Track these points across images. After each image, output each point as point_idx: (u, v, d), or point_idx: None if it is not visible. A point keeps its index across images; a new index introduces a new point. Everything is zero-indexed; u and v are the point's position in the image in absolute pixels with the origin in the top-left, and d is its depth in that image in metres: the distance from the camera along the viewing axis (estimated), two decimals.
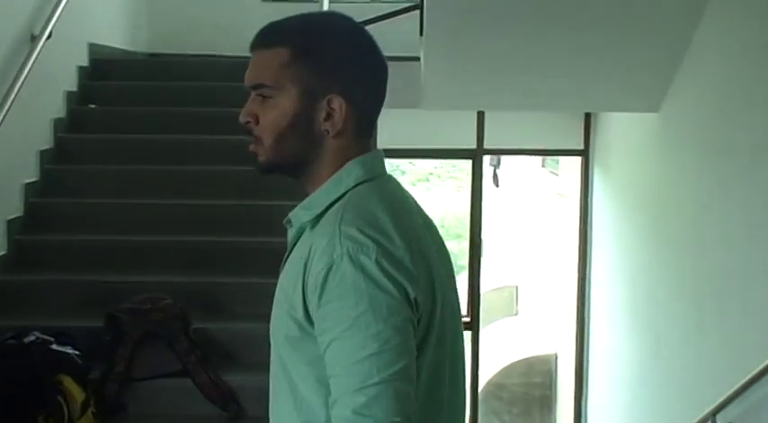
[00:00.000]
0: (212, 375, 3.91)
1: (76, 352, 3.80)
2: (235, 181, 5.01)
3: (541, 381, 9.75)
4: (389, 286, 1.43)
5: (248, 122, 1.59)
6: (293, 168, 1.61)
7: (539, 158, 10.84)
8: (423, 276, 1.49)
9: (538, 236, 11.28)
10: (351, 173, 1.57)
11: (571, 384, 8.34)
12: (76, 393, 3.70)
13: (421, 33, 5.89)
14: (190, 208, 4.90)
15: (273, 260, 4.58)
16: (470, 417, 7.85)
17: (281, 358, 1.56)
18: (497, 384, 9.61)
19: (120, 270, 4.55)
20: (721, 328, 4.78)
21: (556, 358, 9.68)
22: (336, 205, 1.54)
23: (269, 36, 1.59)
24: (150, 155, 5.25)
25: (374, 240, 1.45)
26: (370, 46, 1.61)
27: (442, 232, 1.73)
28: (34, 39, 4.79)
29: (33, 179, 4.95)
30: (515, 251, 12.74)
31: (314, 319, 1.47)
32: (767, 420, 4.27)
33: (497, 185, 13.36)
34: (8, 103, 4.30)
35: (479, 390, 8.04)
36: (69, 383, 3.70)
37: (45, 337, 3.78)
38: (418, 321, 1.48)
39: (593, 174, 7.72)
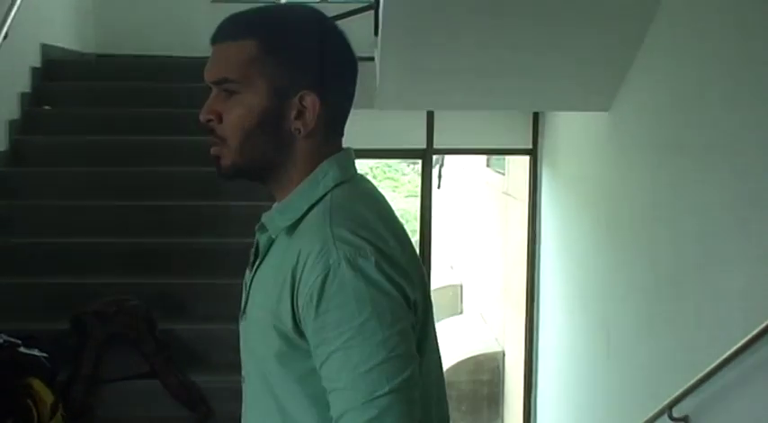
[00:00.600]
0: (180, 376, 3.93)
1: (44, 355, 3.78)
2: (191, 182, 5.03)
3: (489, 378, 9.85)
4: (391, 290, 1.36)
5: (210, 121, 1.47)
6: (260, 172, 1.50)
7: (483, 158, 10.94)
8: (417, 276, 1.44)
9: (483, 235, 11.39)
10: (327, 173, 1.48)
11: (519, 381, 8.46)
12: (45, 396, 3.69)
13: (375, 33, 5.95)
14: (148, 209, 4.89)
15: (233, 260, 4.61)
16: None
17: (265, 377, 1.47)
18: (446, 382, 9.67)
19: (79, 273, 4.51)
20: (674, 325, 4.89)
21: (503, 356, 9.78)
22: (317, 208, 1.45)
23: (235, 28, 1.48)
24: (106, 156, 5.23)
25: (370, 242, 1.37)
26: (344, 42, 1.52)
27: None
28: None
29: None
30: (459, 250, 12.84)
31: (306, 330, 1.38)
32: (721, 413, 4.38)
33: (439, 187, 13.46)
34: None
35: None
36: (38, 386, 3.69)
37: (12, 339, 3.76)
38: (416, 323, 1.43)
39: (541, 173, 7.83)
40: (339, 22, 4.97)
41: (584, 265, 6.63)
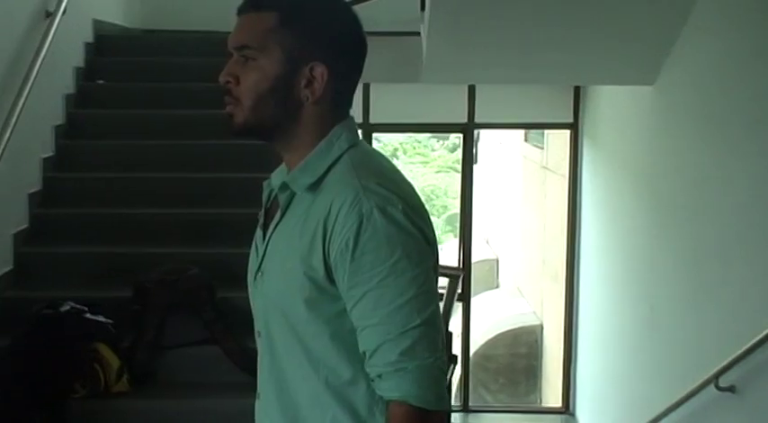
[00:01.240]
0: (240, 343, 4.01)
1: (110, 321, 3.90)
2: (242, 154, 5.10)
3: (527, 351, 9.92)
4: (417, 233, 1.51)
5: (228, 82, 1.61)
6: (269, 132, 1.64)
7: (520, 133, 10.96)
8: (429, 224, 1.60)
9: (520, 209, 11.43)
10: (340, 136, 1.62)
11: (557, 355, 8.52)
12: (112, 360, 3.81)
13: (422, 8, 6.00)
14: (203, 181, 4.99)
15: None
16: (462, 385, 8.02)
17: (293, 325, 1.59)
18: (483, 355, 9.76)
19: (138, 243, 4.61)
20: (720, 296, 4.93)
21: (541, 329, 9.85)
22: (338, 166, 1.59)
23: (257, 1, 1.62)
24: (158, 129, 5.33)
25: (394, 193, 1.53)
26: (355, 22, 1.65)
27: None
28: (49, 15, 4.83)
29: (49, 154, 5.01)
30: (495, 225, 12.88)
31: (337, 275, 1.52)
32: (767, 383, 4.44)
33: (476, 162, 13.49)
34: (30, 80, 4.34)
35: None
36: (105, 351, 3.80)
37: (78, 306, 3.87)
38: (436, 263, 1.59)
39: (582, 147, 7.86)
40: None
41: (626, 238, 6.68)
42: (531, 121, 8.37)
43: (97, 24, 6.04)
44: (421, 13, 6.02)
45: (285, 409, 1.64)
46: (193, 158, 5.14)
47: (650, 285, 6.09)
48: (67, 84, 5.42)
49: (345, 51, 1.63)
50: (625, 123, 6.76)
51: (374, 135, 7.93)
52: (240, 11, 1.63)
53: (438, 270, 1.62)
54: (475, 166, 12.91)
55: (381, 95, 7.21)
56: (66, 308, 3.84)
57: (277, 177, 1.73)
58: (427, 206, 1.65)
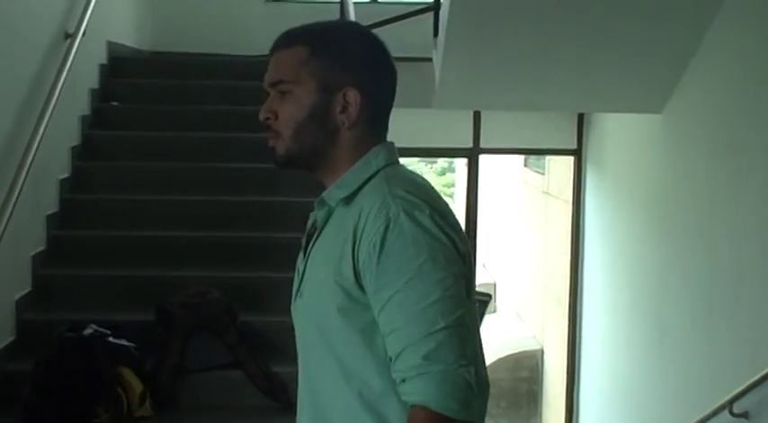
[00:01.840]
0: (263, 366, 4.01)
1: (132, 344, 3.88)
2: (262, 178, 5.13)
3: (528, 375, 9.92)
4: (444, 238, 1.53)
5: (268, 119, 1.67)
6: (311, 160, 1.68)
7: (520, 158, 11.00)
8: (463, 235, 1.62)
9: (520, 234, 11.45)
10: (378, 155, 1.67)
11: (559, 379, 8.53)
12: (135, 384, 3.80)
13: (435, 35, 6.04)
14: (223, 203, 4.99)
15: (295, 255, 4.69)
16: None
17: (325, 336, 1.60)
18: None
19: (156, 265, 4.61)
20: (735, 323, 4.96)
21: (542, 354, 9.85)
22: (373, 181, 1.63)
23: (288, 38, 1.70)
24: (174, 151, 5.33)
25: (423, 200, 1.56)
26: (381, 47, 1.72)
27: None
28: (68, 37, 4.84)
29: (66, 175, 5.01)
30: (492, 249, 12.89)
31: (366, 281, 1.54)
32: None
33: None
34: (52, 103, 4.35)
35: None
36: (128, 375, 3.79)
37: (102, 329, 3.86)
38: (467, 273, 1.58)
39: (585, 173, 7.91)
40: (393, 26, 5.11)
41: (634, 263, 6.70)
42: (535, 146, 8.42)
43: (111, 46, 6.05)
44: (434, 39, 6.06)
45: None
46: (211, 181, 5.15)
47: (660, 311, 6.11)
48: (83, 105, 5.43)
49: (374, 75, 1.69)
50: (633, 150, 6.81)
51: None
52: (272, 50, 1.70)
53: (473, 281, 1.63)
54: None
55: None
56: (89, 331, 3.82)
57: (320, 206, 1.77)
58: None
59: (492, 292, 12.38)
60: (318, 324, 1.61)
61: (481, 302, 3.94)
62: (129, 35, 6.62)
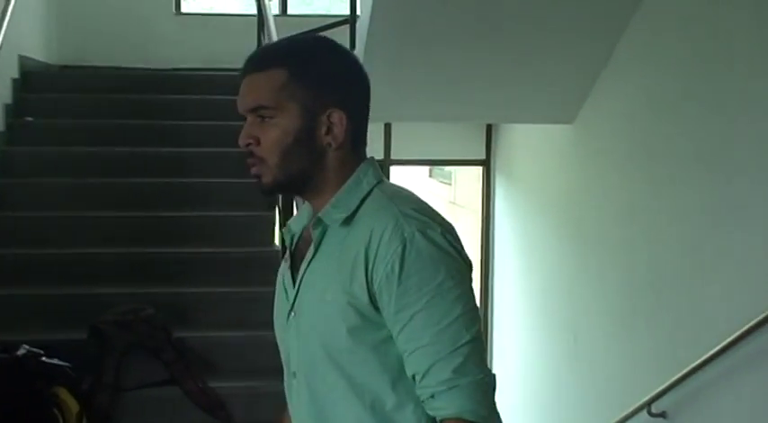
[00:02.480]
0: (200, 383, 3.99)
1: (67, 364, 3.82)
2: (181, 192, 5.16)
3: None
4: (456, 254, 1.57)
5: (249, 144, 1.63)
6: (299, 184, 1.67)
7: (425, 169, 11.14)
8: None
9: None
10: (367, 172, 1.66)
11: None
12: (71, 404, 3.73)
13: (351, 47, 6.09)
14: (143, 220, 4.95)
15: (232, 269, 4.71)
16: None
17: (332, 355, 1.59)
18: None
19: (83, 284, 4.53)
20: (653, 327, 5.13)
21: None
22: (370, 199, 1.63)
23: (262, 60, 1.66)
24: (94, 167, 5.27)
25: (431, 218, 1.58)
26: (356, 62, 1.71)
27: None
28: None
29: None
30: None
31: (382, 301, 1.54)
32: (698, 409, 4.63)
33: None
34: None
35: None
36: (64, 395, 3.73)
37: (34, 349, 3.78)
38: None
39: (494, 182, 8.06)
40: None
41: (547, 270, 6.86)
42: (444, 157, 8.55)
43: (22, 60, 5.93)
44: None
45: None
46: (130, 196, 5.10)
47: (573, 317, 6.27)
48: None
49: (355, 93, 1.68)
50: (544, 160, 6.97)
51: None
52: (244, 73, 1.66)
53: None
54: None
55: None
56: (22, 351, 3.75)
57: (296, 223, 1.77)
58: None
59: None
60: (324, 344, 1.60)
61: None
62: (38, 49, 6.50)
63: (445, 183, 10.25)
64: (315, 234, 1.65)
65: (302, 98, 1.61)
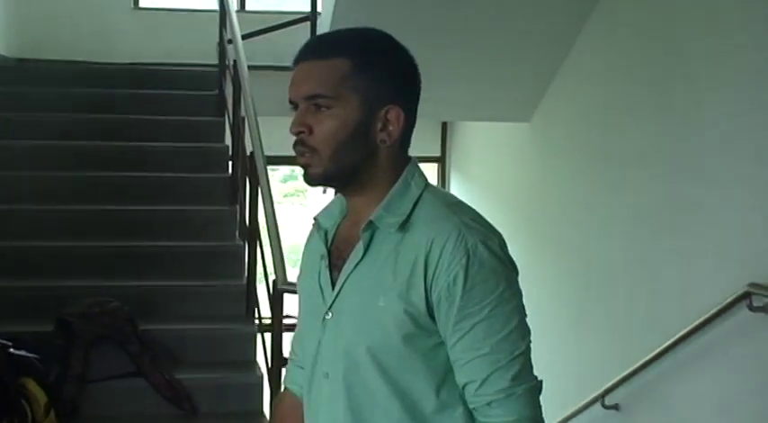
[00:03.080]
0: (166, 374, 4.03)
1: (35, 356, 3.84)
2: (144, 186, 5.20)
3: None
4: (511, 265, 1.59)
5: (301, 133, 1.59)
6: (346, 179, 1.63)
7: None
8: None
9: None
10: (414, 175, 1.65)
11: None
12: (39, 396, 3.74)
13: None
14: (105, 214, 4.96)
15: (194, 262, 4.72)
16: None
17: (378, 358, 1.58)
18: None
19: (48, 276, 4.55)
20: (607, 321, 5.27)
21: None
22: (424, 204, 1.61)
23: (324, 48, 1.61)
24: (55, 161, 5.27)
25: (488, 228, 1.60)
26: (414, 61, 1.66)
27: None
28: None
29: None
30: None
31: (440, 311, 1.55)
32: (654, 401, 4.77)
33: (324, 192, 13.66)
34: None
35: None
36: (32, 386, 3.74)
37: (2, 341, 3.80)
38: None
39: (449, 179, 8.17)
40: (277, 33, 5.16)
41: None
42: None
43: None
44: None
45: None
46: (95, 190, 5.11)
47: (528, 312, 6.36)
48: None
49: (412, 91, 1.66)
50: (500, 157, 7.09)
51: None
52: (303, 58, 1.61)
53: None
54: (325, 197, 13.04)
55: (267, 128, 7.28)
56: None
57: (326, 218, 1.74)
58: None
59: None
60: (371, 349, 1.58)
61: None
62: None
63: None
64: (364, 237, 1.61)
65: (363, 91, 1.58)
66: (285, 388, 1.92)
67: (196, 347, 4.33)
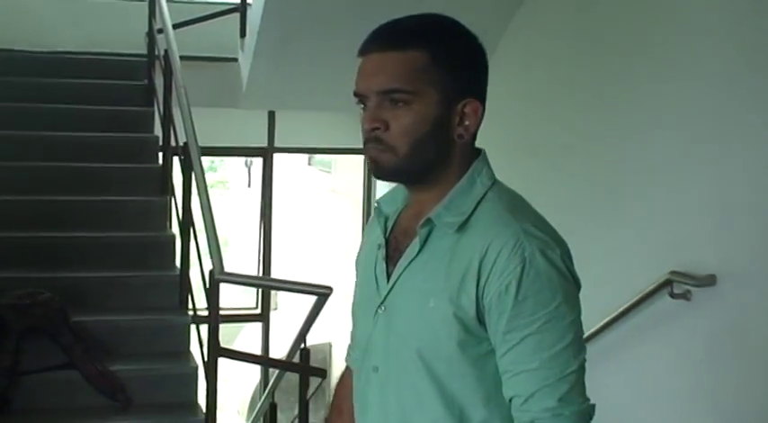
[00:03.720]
0: (99, 366, 4.02)
1: None
2: (81, 177, 5.14)
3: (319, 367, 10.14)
4: (571, 278, 1.50)
5: (376, 129, 1.52)
6: (421, 174, 1.56)
7: (304, 157, 11.22)
8: None
9: (306, 232, 11.66)
10: (481, 172, 1.58)
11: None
12: None
13: (242, 35, 6.15)
14: (41, 204, 4.91)
15: (126, 253, 4.70)
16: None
17: (428, 361, 1.53)
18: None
19: None
20: None
21: (330, 347, 10.11)
22: (487, 205, 1.54)
23: (398, 38, 1.53)
24: None
25: (552, 237, 1.51)
26: (484, 49, 1.59)
27: None
28: None
29: None
30: (277, 248, 13.02)
31: (491, 318, 1.48)
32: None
33: (249, 185, 13.62)
34: None
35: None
36: None
37: None
38: None
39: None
40: (205, 24, 5.16)
41: None
42: (325, 146, 8.63)
43: None
44: (240, 39, 6.16)
45: None
46: (26, 181, 5.05)
47: None
48: None
49: (485, 81, 1.58)
50: None
51: None
52: (373, 48, 1.53)
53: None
54: (251, 190, 13.03)
55: (197, 119, 7.25)
56: None
57: (388, 204, 1.68)
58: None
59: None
60: (421, 351, 1.53)
61: (321, 296, 4.13)
62: None
63: (325, 171, 10.36)
64: (421, 233, 1.54)
65: (442, 84, 1.50)
66: (347, 367, 1.87)
67: (129, 338, 4.32)
